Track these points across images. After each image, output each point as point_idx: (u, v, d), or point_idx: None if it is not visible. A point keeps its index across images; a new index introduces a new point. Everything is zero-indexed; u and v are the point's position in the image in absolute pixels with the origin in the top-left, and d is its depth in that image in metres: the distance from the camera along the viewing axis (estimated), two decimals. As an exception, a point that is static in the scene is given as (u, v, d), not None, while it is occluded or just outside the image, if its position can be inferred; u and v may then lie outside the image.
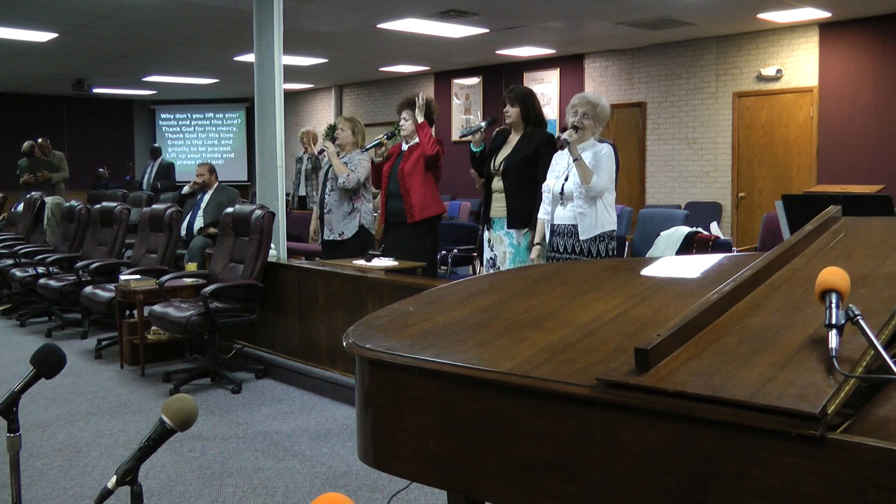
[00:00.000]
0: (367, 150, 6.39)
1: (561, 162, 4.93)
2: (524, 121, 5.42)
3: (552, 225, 4.95)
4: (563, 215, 4.86)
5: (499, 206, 5.41)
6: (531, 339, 1.94)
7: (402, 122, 6.13)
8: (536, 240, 5.13)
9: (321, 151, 6.62)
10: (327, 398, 5.44)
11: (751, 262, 2.13)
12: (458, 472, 1.76)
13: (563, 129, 5.35)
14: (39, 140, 12.72)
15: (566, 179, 4.83)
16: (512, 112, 5.40)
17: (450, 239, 8.12)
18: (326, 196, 6.49)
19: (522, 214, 5.27)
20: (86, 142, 18.62)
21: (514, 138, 5.46)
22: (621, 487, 1.51)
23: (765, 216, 7.15)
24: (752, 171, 10.92)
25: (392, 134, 6.64)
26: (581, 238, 4.77)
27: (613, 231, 4.85)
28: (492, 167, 5.46)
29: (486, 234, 5.56)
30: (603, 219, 4.79)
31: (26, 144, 12.56)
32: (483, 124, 5.72)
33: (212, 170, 8.32)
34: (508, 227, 5.33)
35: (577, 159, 4.73)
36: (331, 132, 12.75)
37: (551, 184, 4.95)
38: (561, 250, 4.87)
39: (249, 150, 18.86)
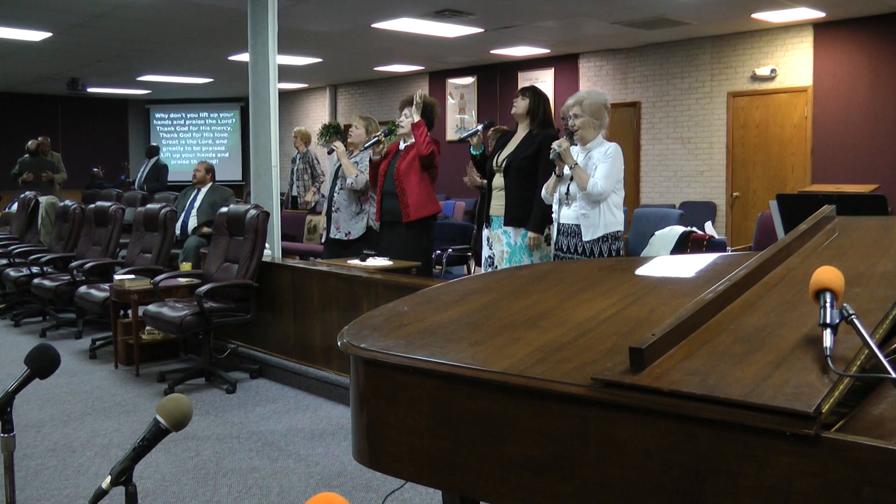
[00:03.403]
0: (365, 148, 6.37)
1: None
2: (530, 117, 5.40)
3: (558, 224, 4.94)
4: (568, 215, 4.85)
5: (498, 204, 5.40)
6: (526, 338, 1.94)
7: (401, 119, 6.11)
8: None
9: (331, 151, 6.57)
10: (322, 398, 5.43)
11: (745, 262, 2.13)
12: (453, 472, 1.76)
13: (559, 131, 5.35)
14: (40, 139, 12.70)
15: (571, 179, 4.81)
16: (520, 104, 5.39)
17: (445, 238, 8.12)
18: (335, 194, 6.47)
19: (519, 213, 5.26)
20: (80, 141, 18.59)
21: (518, 136, 5.45)
22: (616, 486, 1.51)
23: (759, 216, 7.17)
24: (747, 170, 10.94)
25: (390, 131, 6.63)
26: (584, 239, 4.74)
27: (619, 232, 4.78)
28: (494, 164, 5.45)
29: (485, 231, 5.56)
30: (607, 220, 4.73)
31: (32, 142, 12.55)
32: (479, 128, 5.74)
33: (209, 169, 8.33)
34: (505, 225, 5.31)
35: (573, 166, 4.72)
36: (326, 132, 12.74)
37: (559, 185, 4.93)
38: (565, 249, 4.87)
39: (244, 149, 18.83)
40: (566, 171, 4.83)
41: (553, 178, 4.94)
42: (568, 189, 4.83)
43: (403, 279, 5.10)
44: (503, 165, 5.35)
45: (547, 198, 5.04)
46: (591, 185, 4.67)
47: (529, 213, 5.21)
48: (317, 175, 10.84)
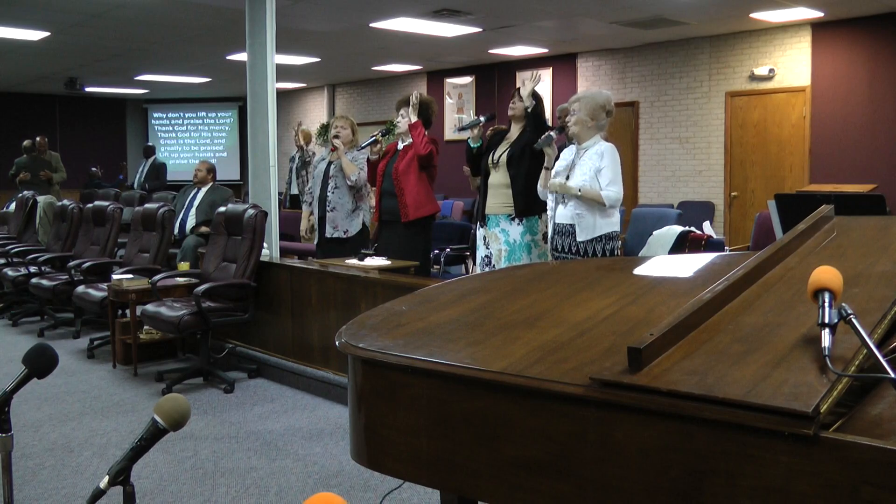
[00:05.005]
0: (363, 147, 6.37)
1: (567, 157, 4.88)
2: (527, 118, 5.42)
3: (554, 224, 4.91)
4: (563, 214, 4.81)
5: (494, 203, 5.40)
6: (524, 338, 1.94)
7: (399, 119, 6.12)
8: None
9: (332, 150, 6.54)
10: (320, 397, 5.43)
11: (743, 262, 2.13)
12: (451, 472, 1.76)
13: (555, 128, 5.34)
14: (38, 139, 12.70)
15: (567, 178, 4.77)
16: (518, 105, 5.40)
17: (443, 238, 8.12)
18: (329, 194, 6.44)
19: (522, 204, 5.27)
20: (78, 141, 18.57)
21: (514, 133, 5.46)
22: (615, 486, 1.51)
23: (757, 215, 7.18)
24: (745, 170, 10.95)
25: (388, 131, 6.63)
26: (578, 239, 4.70)
27: (614, 232, 4.74)
28: (490, 162, 5.44)
29: (480, 231, 5.55)
30: (602, 220, 4.70)
31: (27, 142, 12.54)
32: (482, 119, 5.72)
33: (210, 169, 8.33)
34: (517, 216, 5.31)
35: (579, 190, 4.66)
36: (324, 131, 12.73)
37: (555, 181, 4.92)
38: (560, 249, 4.84)
39: (242, 149, 18.83)
40: (561, 166, 4.83)
41: (544, 171, 4.94)
42: None
43: (401, 279, 5.10)
44: (504, 160, 5.34)
45: (542, 192, 5.03)
46: (606, 199, 4.61)
47: (535, 202, 5.22)
48: (307, 163, 10.78)
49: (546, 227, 5.30)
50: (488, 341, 2.00)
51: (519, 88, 5.47)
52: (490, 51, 12.51)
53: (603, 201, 4.63)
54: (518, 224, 5.32)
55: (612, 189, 4.64)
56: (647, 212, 8.32)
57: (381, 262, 5.65)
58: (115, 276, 6.44)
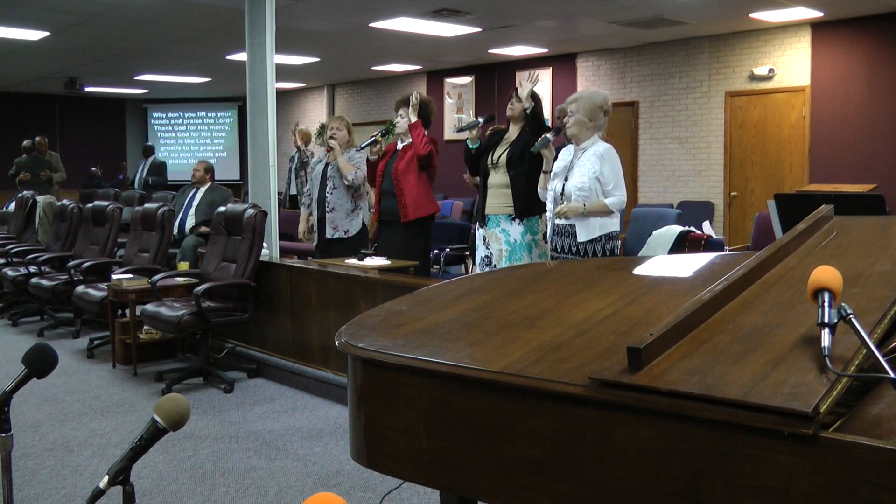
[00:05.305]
0: (362, 147, 6.37)
1: (566, 158, 4.87)
2: (526, 118, 5.43)
3: (553, 224, 4.90)
4: None
5: (494, 203, 5.40)
6: (524, 338, 1.94)
7: (398, 119, 6.13)
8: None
9: (328, 150, 6.54)
10: (320, 397, 5.43)
11: (743, 262, 2.13)
12: (450, 472, 1.76)
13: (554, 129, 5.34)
14: (37, 138, 12.71)
15: (566, 179, 4.76)
16: (517, 106, 5.41)
17: (442, 238, 8.12)
18: (328, 195, 6.44)
19: (522, 205, 5.27)
20: (78, 141, 18.57)
21: (513, 133, 5.46)
22: (614, 486, 1.51)
23: (757, 215, 7.17)
24: (745, 170, 10.94)
25: (387, 131, 6.63)
26: (579, 240, 4.69)
27: (614, 232, 4.73)
28: (489, 162, 5.44)
29: (479, 231, 5.54)
30: (603, 221, 4.67)
31: (27, 142, 12.56)
32: (481, 120, 5.72)
33: (208, 168, 8.34)
34: (518, 216, 5.31)
35: (584, 213, 4.63)
36: (323, 132, 12.74)
37: (553, 182, 4.90)
38: (559, 249, 4.82)
39: (242, 149, 18.83)
40: (559, 167, 4.83)
41: (542, 174, 4.95)
42: (563, 189, 4.79)
43: (401, 279, 5.10)
44: (504, 161, 5.35)
45: (542, 193, 5.03)
46: (612, 206, 4.61)
47: (535, 203, 5.22)
48: (306, 163, 10.77)
49: (546, 226, 5.29)
50: (488, 341, 2.00)
51: (517, 89, 5.47)
52: (490, 51, 12.51)
53: (609, 209, 4.64)
54: (518, 224, 5.32)
55: (616, 194, 4.65)
56: (646, 212, 8.32)
57: (380, 262, 5.65)
58: (114, 276, 6.44)
